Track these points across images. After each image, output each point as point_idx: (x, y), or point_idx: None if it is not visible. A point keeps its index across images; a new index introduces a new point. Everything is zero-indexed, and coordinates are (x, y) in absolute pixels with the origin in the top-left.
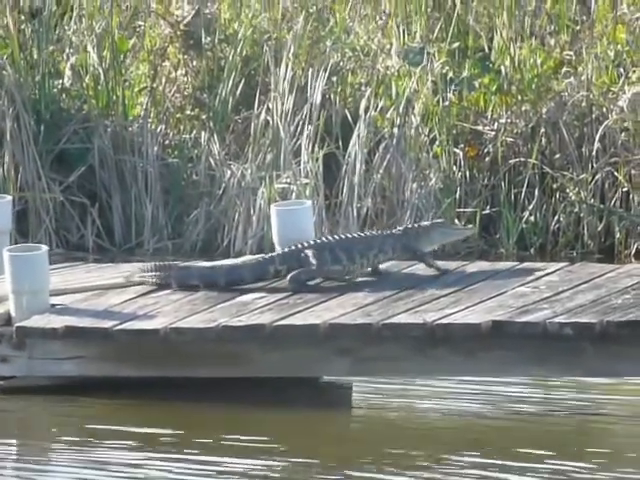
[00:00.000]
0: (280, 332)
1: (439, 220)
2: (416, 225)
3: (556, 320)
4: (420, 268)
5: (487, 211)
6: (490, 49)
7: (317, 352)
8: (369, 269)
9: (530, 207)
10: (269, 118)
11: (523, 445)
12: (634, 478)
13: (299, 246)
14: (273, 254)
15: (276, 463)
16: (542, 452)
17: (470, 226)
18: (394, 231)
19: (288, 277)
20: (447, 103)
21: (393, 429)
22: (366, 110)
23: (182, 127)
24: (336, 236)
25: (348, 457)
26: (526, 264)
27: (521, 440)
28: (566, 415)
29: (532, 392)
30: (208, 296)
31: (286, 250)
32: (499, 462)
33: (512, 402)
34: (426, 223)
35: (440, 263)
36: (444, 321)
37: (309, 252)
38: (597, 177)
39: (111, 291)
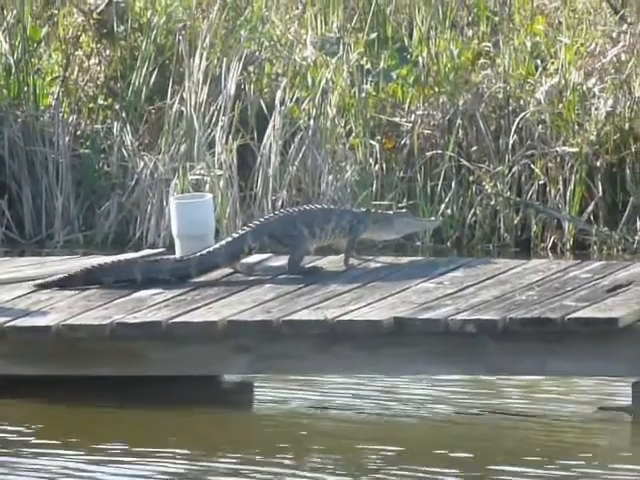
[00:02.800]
0: (176, 329)
1: (403, 210)
2: (379, 211)
3: (458, 317)
4: (324, 262)
5: (403, 204)
6: (411, 40)
7: (215, 350)
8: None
9: (447, 200)
10: (183, 108)
11: (422, 440)
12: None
13: (264, 220)
14: (242, 232)
15: (173, 464)
16: (445, 451)
17: (433, 218)
18: (355, 209)
19: (287, 268)
20: (364, 94)
21: (295, 427)
22: (282, 101)
23: (94, 117)
24: (297, 208)
25: (248, 457)
26: (430, 259)
27: (423, 436)
28: (470, 415)
29: (439, 390)
30: (104, 292)
31: (254, 226)
32: (402, 460)
33: (420, 399)
34: (390, 212)
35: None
36: (345, 318)
37: (276, 225)
38: (514, 170)
39: (1, 287)
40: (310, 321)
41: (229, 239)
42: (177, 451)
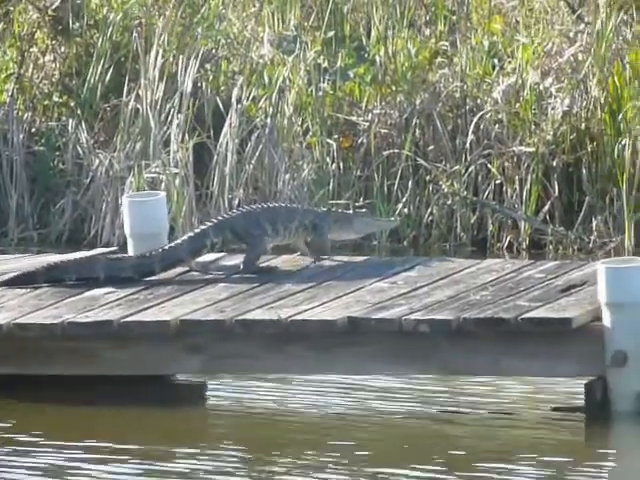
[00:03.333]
0: (128, 329)
1: (362, 210)
2: (339, 210)
3: (412, 317)
4: (278, 262)
5: (360, 203)
6: (369, 39)
7: (167, 350)
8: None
9: (403, 199)
10: (139, 106)
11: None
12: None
13: (227, 215)
14: (204, 227)
15: (124, 464)
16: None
17: (393, 218)
18: (316, 209)
19: (241, 267)
20: (321, 93)
21: (249, 426)
22: (238, 99)
23: (49, 114)
24: (261, 205)
25: (201, 456)
26: (384, 258)
27: (371, 435)
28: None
29: (399, 387)
30: (55, 290)
31: (216, 221)
32: (357, 459)
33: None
34: (349, 212)
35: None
36: (299, 317)
37: (239, 221)
38: (470, 169)
39: None
40: (263, 321)
41: (191, 234)
42: (129, 449)
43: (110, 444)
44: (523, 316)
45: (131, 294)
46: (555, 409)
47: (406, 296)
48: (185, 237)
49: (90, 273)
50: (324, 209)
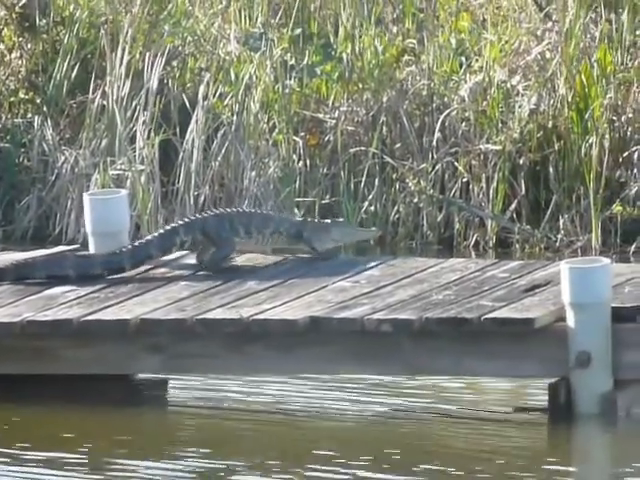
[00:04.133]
0: (88, 327)
1: (340, 219)
2: (315, 220)
3: (374, 316)
4: (241, 260)
5: (326, 200)
6: (337, 36)
7: (127, 349)
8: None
9: (370, 197)
10: (105, 103)
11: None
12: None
13: (200, 216)
14: (175, 225)
15: (80, 466)
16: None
17: (373, 229)
18: (291, 217)
19: (204, 265)
20: (287, 90)
21: (209, 427)
22: (205, 96)
23: (15, 111)
24: (236, 209)
25: (161, 456)
26: (347, 257)
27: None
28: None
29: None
30: (15, 289)
31: (188, 220)
32: (318, 459)
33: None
34: (327, 220)
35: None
36: (260, 317)
37: (210, 222)
38: (437, 167)
39: None
40: (224, 320)
41: (162, 231)
42: (86, 449)
43: (68, 445)
44: (486, 316)
45: (91, 292)
46: (517, 410)
47: (369, 295)
48: (155, 234)
49: (60, 271)
50: (300, 219)
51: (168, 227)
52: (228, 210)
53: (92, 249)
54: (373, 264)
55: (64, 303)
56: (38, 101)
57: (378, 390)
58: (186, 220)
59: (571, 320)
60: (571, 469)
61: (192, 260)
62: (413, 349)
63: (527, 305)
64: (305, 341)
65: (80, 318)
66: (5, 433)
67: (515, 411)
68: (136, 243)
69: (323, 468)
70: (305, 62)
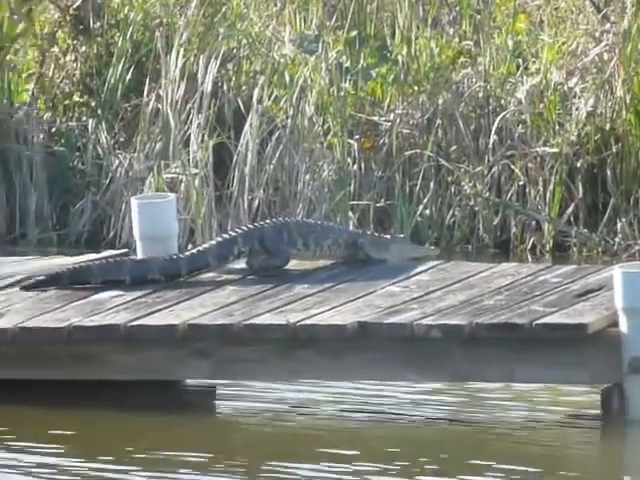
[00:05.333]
0: (135, 333)
1: (400, 235)
2: (376, 234)
3: (424, 322)
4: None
5: (381, 204)
6: (393, 38)
7: (175, 354)
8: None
9: (425, 200)
10: (159, 106)
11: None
12: None
13: (258, 225)
14: (234, 234)
15: (132, 470)
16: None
17: (432, 247)
18: (351, 229)
19: (254, 270)
20: (342, 93)
21: (257, 434)
22: (259, 99)
23: (70, 114)
24: (294, 218)
25: (210, 462)
26: (396, 262)
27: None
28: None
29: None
30: (61, 294)
31: (246, 229)
32: (362, 467)
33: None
34: (387, 236)
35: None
36: (308, 322)
37: (268, 233)
38: (493, 170)
39: None
40: (272, 325)
41: (220, 239)
42: (136, 456)
43: (117, 450)
44: (537, 321)
45: (139, 297)
46: (570, 416)
47: (418, 300)
48: (213, 242)
49: (116, 275)
50: (359, 231)
51: (226, 236)
52: (287, 220)
53: (140, 254)
54: (423, 268)
55: (111, 308)
56: (92, 104)
57: (426, 395)
58: (244, 229)
59: (624, 325)
60: (625, 477)
61: (241, 265)
62: (463, 355)
63: (580, 310)
64: (354, 346)
65: (127, 323)
66: (50, 439)
67: (567, 418)
68: (194, 250)
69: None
70: (360, 64)
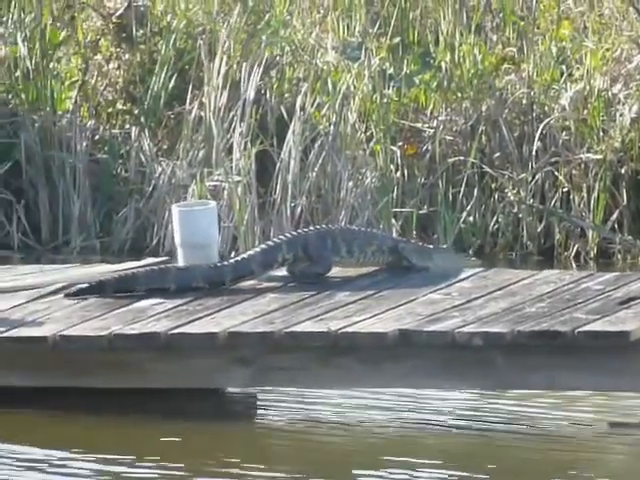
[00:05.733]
0: (176, 341)
1: (443, 246)
2: (420, 243)
3: (465, 329)
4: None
5: (424, 211)
6: (437, 44)
7: (215, 362)
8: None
9: (468, 207)
10: (202, 114)
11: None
12: None
13: (302, 232)
14: (278, 241)
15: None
16: (449, 466)
17: (474, 258)
18: (395, 236)
19: (295, 276)
20: (385, 100)
21: (298, 442)
22: (302, 106)
23: (113, 122)
24: (338, 226)
25: (251, 472)
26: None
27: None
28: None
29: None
30: (102, 302)
31: (290, 237)
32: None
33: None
34: (430, 246)
35: None
36: (349, 330)
37: (312, 240)
38: (537, 177)
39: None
40: (313, 333)
41: (264, 246)
42: (177, 465)
43: (158, 458)
44: (580, 329)
45: (180, 305)
46: (613, 425)
47: (460, 308)
48: (257, 249)
49: (161, 284)
50: (404, 238)
51: (270, 243)
52: (331, 227)
53: (180, 261)
54: (464, 276)
55: (152, 316)
56: (136, 112)
57: (463, 402)
58: (288, 236)
59: None
60: None
61: (282, 272)
62: (505, 363)
63: (622, 318)
64: (395, 354)
65: (168, 331)
66: (89, 447)
67: (609, 426)
68: (238, 258)
69: None
70: (403, 71)
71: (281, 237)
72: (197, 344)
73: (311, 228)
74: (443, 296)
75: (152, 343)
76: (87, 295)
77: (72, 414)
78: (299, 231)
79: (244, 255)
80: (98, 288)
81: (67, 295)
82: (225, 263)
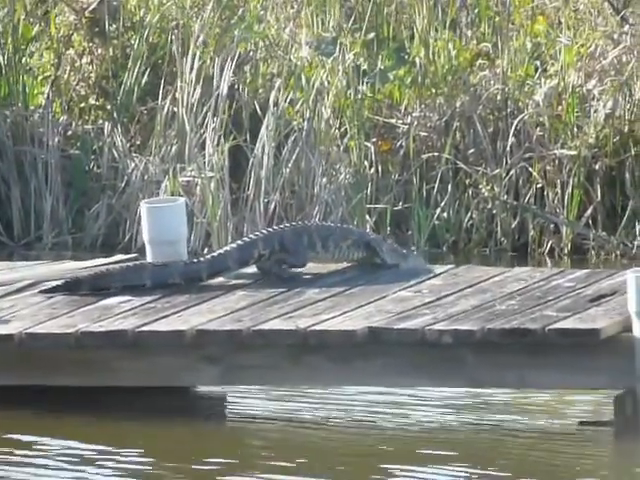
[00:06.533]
0: (143, 339)
1: (415, 252)
2: (395, 245)
3: (435, 327)
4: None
5: (399, 207)
6: (412, 40)
7: (183, 360)
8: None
9: (442, 203)
10: (175, 109)
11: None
12: None
13: (278, 228)
14: (254, 237)
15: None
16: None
17: (450, 266)
18: (371, 233)
19: (272, 272)
20: (360, 95)
21: (268, 441)
22: (276, 102)
23: (86, 117)
24: (314, 222)
25: (220, 469)
26: (408, 266)
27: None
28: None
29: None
30: (69, 299)
31: (266, 233)
32: (378, 475)
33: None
34: (404, 250)
35: None
36: (318, 327)
37: (288, 236)
38: (511, 173)
39: None
40: (281, 331)
41: (240, 242)
42: (144, 461)
43: (126, 457)
44: (550, 327)
45: (147, 303)
46: (582, 423)
47: (430, 305)
48: (234, 245)
49: (137, 280)
50: (379, 235)
51: (246, 239)
52: (307, 223)
53: (149, 258)
54: (435, 273)
55: (119, 314)
56: (108, 107)
57: (438, 400)
58: (264, 232)
59: (637, 330)
60: None
61: (251, 269)
62: (475, 361)
63: (592, 315)
64: (365, 352)
65: (135, 329)
66: (59, 444)
67: (579, 424)
68: (215, 254)
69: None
70: (378, 67)
71: (257, 233)
72: (164, 342)
73: (287, 225)
74: (413, 293)
75: (119, 341)
76: (63, 292)
77: (37, 411)
78: (275, 227)
79: (220, 251)
80: (74, 285)
81: (42, 292)
82: (201, 259)
